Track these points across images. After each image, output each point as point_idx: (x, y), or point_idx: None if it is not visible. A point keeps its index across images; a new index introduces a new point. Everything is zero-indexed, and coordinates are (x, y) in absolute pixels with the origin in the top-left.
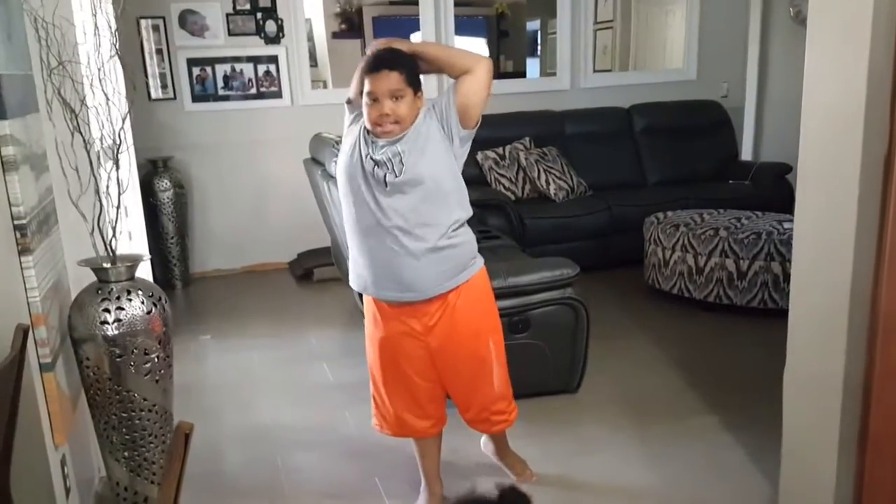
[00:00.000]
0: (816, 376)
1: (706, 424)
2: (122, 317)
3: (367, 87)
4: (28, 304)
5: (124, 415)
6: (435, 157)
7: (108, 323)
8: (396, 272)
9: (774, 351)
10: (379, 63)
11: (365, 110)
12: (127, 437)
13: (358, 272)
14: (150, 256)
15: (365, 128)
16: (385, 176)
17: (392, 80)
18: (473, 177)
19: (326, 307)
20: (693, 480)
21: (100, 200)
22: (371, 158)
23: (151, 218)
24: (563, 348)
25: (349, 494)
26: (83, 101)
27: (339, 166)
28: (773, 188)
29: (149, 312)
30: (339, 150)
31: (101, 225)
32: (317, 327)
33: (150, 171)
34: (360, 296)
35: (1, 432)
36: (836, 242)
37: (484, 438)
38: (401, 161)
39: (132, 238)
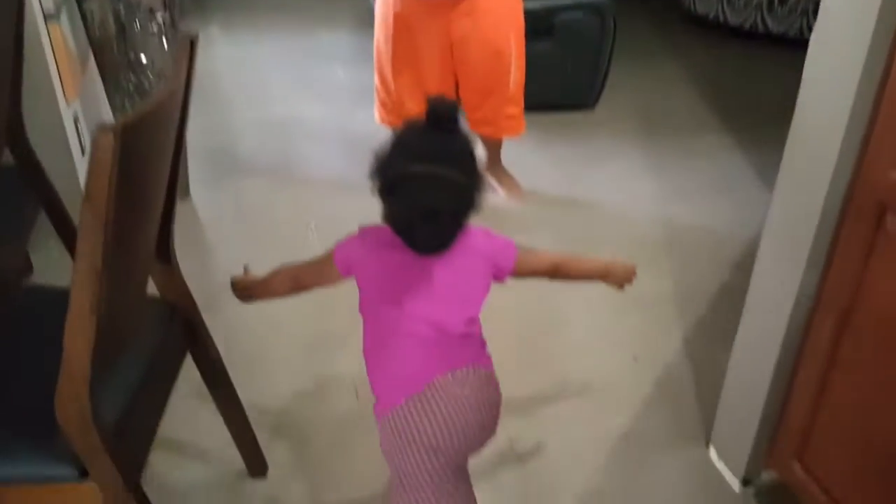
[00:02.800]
0: (827, 99)
1: (719, 143)
2: None
3: None
4: None
5: (133, 78)
6: None
7: None
8: None
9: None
10: None
11: None
12: (138, 102)
13: None
14: None
15: None
16: None
17: None
18: None
19: (338, 8)
20: (697, 191)
21: None
22: None
23: None
24: (584, 59)
25: (355, 186)
26: None
27: None
28: None
29: None
30: None
31: None
32: (328, 28)
33: None
34: None
35: (8, 62)
36: None
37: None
38: None
39: None
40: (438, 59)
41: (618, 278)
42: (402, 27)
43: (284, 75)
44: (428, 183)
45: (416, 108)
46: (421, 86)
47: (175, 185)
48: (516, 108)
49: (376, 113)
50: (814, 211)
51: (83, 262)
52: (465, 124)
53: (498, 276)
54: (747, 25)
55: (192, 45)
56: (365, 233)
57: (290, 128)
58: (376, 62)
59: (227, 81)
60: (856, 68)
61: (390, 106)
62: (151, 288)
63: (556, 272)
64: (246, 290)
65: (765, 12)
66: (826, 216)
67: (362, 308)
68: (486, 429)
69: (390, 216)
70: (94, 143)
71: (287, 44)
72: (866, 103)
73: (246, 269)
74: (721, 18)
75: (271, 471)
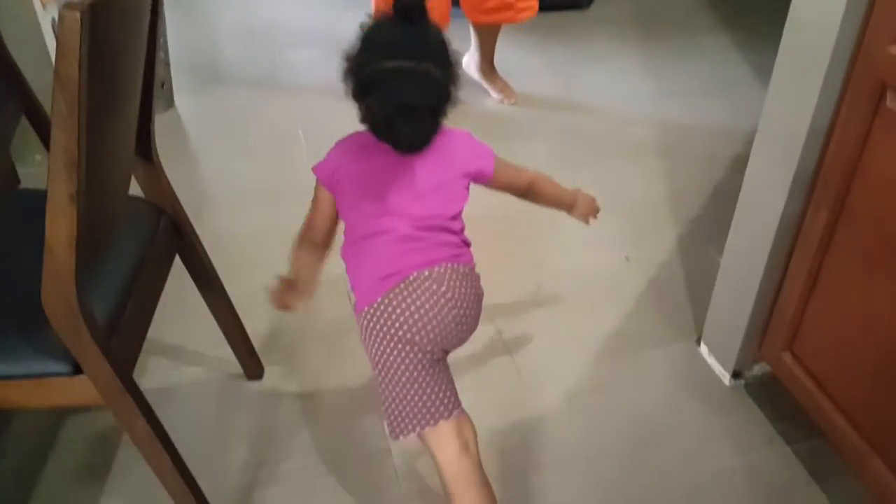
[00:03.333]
0: None
1: (716, 43)
2: None
3: None
4: None
5: None
6: None
7: None
8: None
9: None
10: None
11: None
12: None
13: None
14: None
15: None
16: None
17: None
18: None
19: None
20: (693, 92)
21: None
22: None
23: None
24: None
25: (341, 91)
26: None
27: None
28: None
29: None
30: None
31: None
32: None
33: None
34: None
35: None
36: None
37: (468, 55)
38: None
39: None
40: None
41: (582, 211)
42: None
43: None
44: (402, 78)
45: (435, 14)
46: None
47: (152, 80)
48: None
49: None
50: (812, 91)
51: (59, 150)
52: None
53: (478, 180)
54: None
55: None
56: (340, 142)
57: (274, 33)
58: None
59: None
60: None
61: None
62: (136, 190)
63: (530, 190)
64: (286, 289)
65: None
66: (825, 97)
67: (341, 210)
68: (465, 325)
69: (367, 116)
70: (60, 21)
71: None
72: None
73: (276, 280)
74: None
75: (267, 370)
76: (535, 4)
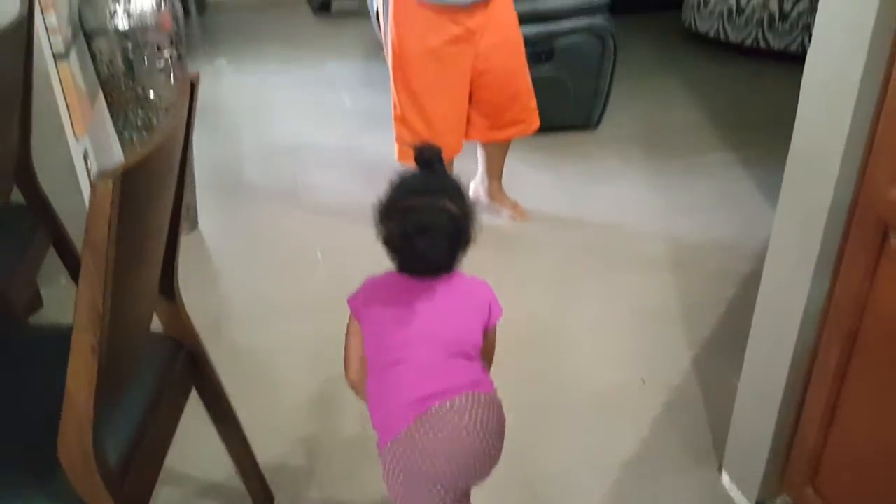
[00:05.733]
0: (832, 89)
1: (722, 160)
2: (131, 10)
3: None
4: None
5: (141, 112)
6: None
7: (118, 15)
8: None
9: None
10: None
11: None
12: (145, 136)
13: None
14: None
15: None
16: None
17: None
18: None
19: (344, 39)
20: (700, 208)
21: None
22: None
23: None
24: (586, 81)
25: (361, 210)
26: None
27: None
28: None
29: (158, 7)
30: None
31: None
32: (335, 57)
33: None
34: (385, 15)
35: (17, 101)
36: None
37: (474, 182)
38: None
39: None
40: (465, 81)
41: None
42: (434, 61)
43: (291, 103)
44: (422, 206)
45: (449, 138)
46: (456, 113)
47: (178, 222)
48: (534, 99)
49: (400, 152)
50: (816, 229)
51: (84, 306)
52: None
53: (487, 323)
54: (748, 42)
55: (193, 86)
56: (372, 277)
57: (297, 154)
58: (402, 96)
59: (234, 110)
60: (853, 85)
61: (428, 139)
62: (155, 322)
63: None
64: None
65: (765, 29)
66: (829, 234)
67: (367, 346)
68: (490, 456)
69: (388, 237)
70: (93, 189)
71: (294, 73)
72: (864, 121)
73: None
74: (721, 36)
75: (278, 498)
76: (538, 115)
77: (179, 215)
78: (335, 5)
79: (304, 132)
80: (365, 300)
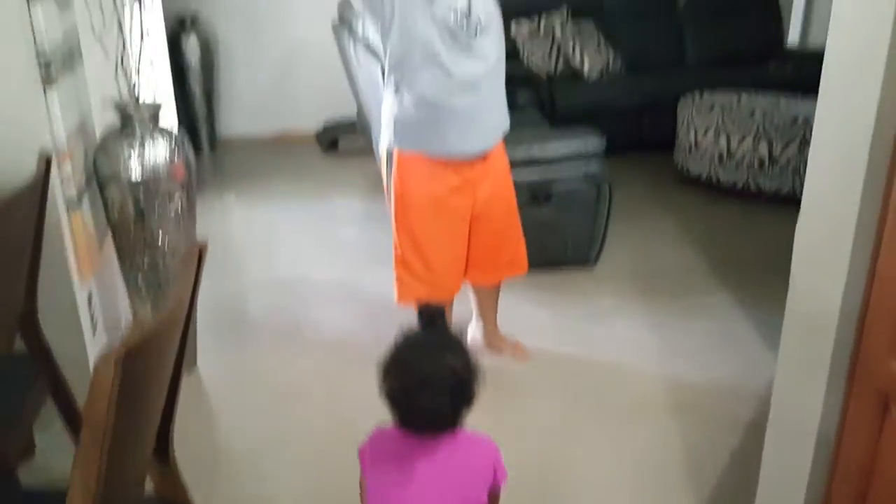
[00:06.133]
0: (824, 256)
1: (719, 301)
2: (145, 160)
3: None
4: (53, 138)
5: (149, 258)
6: None
7: (131, 165)
8: (483, 119)
9: None
10: None
11: None
12: (152, 280)
13: (435, 133)
14: (172, 111)
15: None
16: (470, 14)
17: None
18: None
19: (350, 175)
20: (698, 350)
21: (122, 37)
22: (452, 8)
23: (179, 79)
24: (583, 223)
25: (364, 348)
26: None
27: (416, 33)
28: (818, 74)
29: (172, 157)
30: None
31: (124, 62)
32: (340, 193)
33: (178, 30)
34: (389, 163)
35: (26, 258)
36: (856, 127)
37: (471, 329)
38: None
39: (157, 95)
40: (465, 227)
41: None
42: (436, 209)
43: (296, 238)
44: (422, 361)
45: (450, 281)
46: (456, 258)
47: (176, 390)
48: (524, 244)
49: (399, 293)
50: (816, 397)
51: (77, 485)
52: (469, 286)
53: (491, 486)
54: (740, 185)
55: (200, 256)
56: (377, 431)
57: (300, 289)
58: (404, 245)
59: (240, 246)
60: (843, 256)
61: (429, 282)
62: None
63: None
64: None
65: (756, 172)
66: (830, 403)
67: (368, 497)
68: None
69: (389, 392)
70: (95, 370)
71: (301, 209)
72: (857, 291)
73: None
74: (714, 178)
75: None
76: (526, 258)
77: (178, 383)
78: (342, 144)
79: (308, 267)
80: (372, 459)
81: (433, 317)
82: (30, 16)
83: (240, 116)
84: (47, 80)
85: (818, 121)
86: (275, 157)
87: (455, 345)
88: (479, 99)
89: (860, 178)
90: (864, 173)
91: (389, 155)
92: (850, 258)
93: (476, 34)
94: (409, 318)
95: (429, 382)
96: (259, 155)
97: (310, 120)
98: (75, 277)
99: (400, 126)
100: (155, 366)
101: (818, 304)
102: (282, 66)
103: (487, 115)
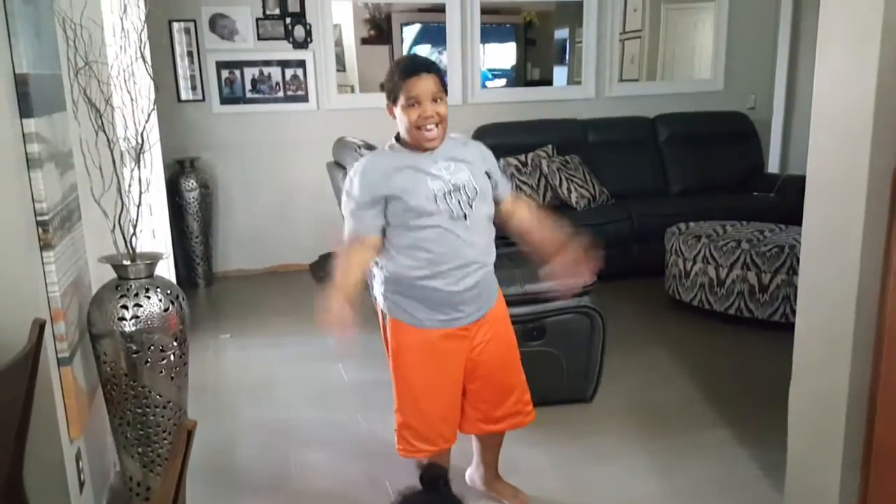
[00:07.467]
0: (822, 390)
1: (720, 438)
2: (139, 313)
3: (406, 93)
4: (48, 298)
5: (139, 411)
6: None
7: (125, 319)
8: (481, 290)
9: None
10: (418, 66)
11: (404, 115)
12: (141, 432)
13: (431, 309)
14: (169, 254)
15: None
16: (464, 191)
17: (431, 82)
18: None
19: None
20: (703, 494)
21: (122, 199)
22: (444, 183)
23: (177, 217)
24: (578, 357)
25: (358, 494)
26: (108, 101)
27: (408, 211)
28: (799, 201)
29: (166, 310)
30: (361, 155)
31: (122, 223)
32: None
33: (177, 171)
34: (385, 317)
35: (14, 426)
36: (843, 256)
37: (471, 469)
38: (469, 174)
39: (155, 236)
40: (460, 374)
41: None
42: (430, 353)
43: (290, 378)
44: None
45: (447, 431)
46: (452, 408)
47: None
48: (528, 393)
49: (402, 447)
50: None
51: None
52: (471, 436)
53: None
54: (732, 311)
55: (189, 436)
56: None
57: (292, 432)
58: (401, 393)
59: (232, 388)
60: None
61: (424, 435)
62: None
63: None
64: None
65: (747, 299)
66: None
67: None
68: None
69: None
70: None
71: (295, 347)
72: (857, 456)
73: None
74: (705, 305)
75: None
76: (532, 409)
77: None
78: None
79: (300, 409)
80: None
81: (435, 479)
82: (29, 181)
83: (236, 252)
84: (45, 244)
85: (804, 252)
86: (270, 289)
87: None
88: (471, 279)
89: (852, 306)
90: (856, 299)
91: (384, 313)
92: (845, 421)
93: (466, 218)
94: (403, 464)
95: None
96: (253, 288)
97: (305, 253)
98: (64, 437)
99: (390, 301)
100: None
101: (817, 470)
102: (278, 204)
103: (482, 290)
